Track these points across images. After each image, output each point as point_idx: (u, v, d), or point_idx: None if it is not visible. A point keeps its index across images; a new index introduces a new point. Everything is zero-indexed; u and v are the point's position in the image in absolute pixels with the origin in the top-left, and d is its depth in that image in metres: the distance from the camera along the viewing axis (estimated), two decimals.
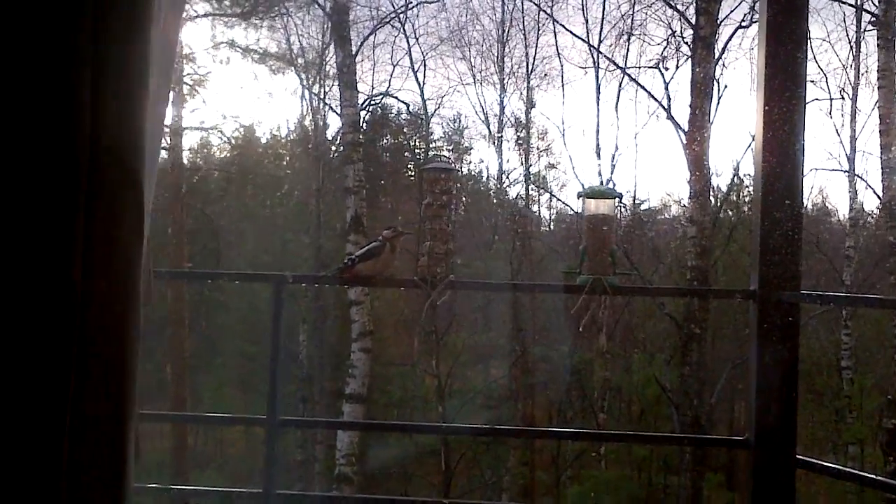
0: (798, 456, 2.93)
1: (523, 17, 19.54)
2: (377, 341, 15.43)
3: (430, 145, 22.31)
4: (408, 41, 18.97)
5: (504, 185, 21.47)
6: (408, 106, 20.61)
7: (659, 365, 17.57)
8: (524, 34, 19.61)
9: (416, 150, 22.10)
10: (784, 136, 2.92)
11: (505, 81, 19.98)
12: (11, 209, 1.15)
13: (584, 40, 17.99)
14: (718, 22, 13.66)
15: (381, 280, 3.28)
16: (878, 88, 11.78)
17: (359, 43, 16.79)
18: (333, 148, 18.83)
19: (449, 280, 3.14)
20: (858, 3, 15.72)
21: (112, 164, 1.21)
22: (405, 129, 22.88)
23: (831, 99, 16.54)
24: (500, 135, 20.37)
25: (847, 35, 16.80)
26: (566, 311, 16.32)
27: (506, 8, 19.69)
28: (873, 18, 12.41)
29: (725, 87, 15.57)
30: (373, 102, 20.00)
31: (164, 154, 19.75)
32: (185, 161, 21.97)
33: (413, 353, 19.10)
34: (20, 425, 1.14)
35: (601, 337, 17.86)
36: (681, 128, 14.36)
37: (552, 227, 24.62)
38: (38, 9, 1.17)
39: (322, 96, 19.29)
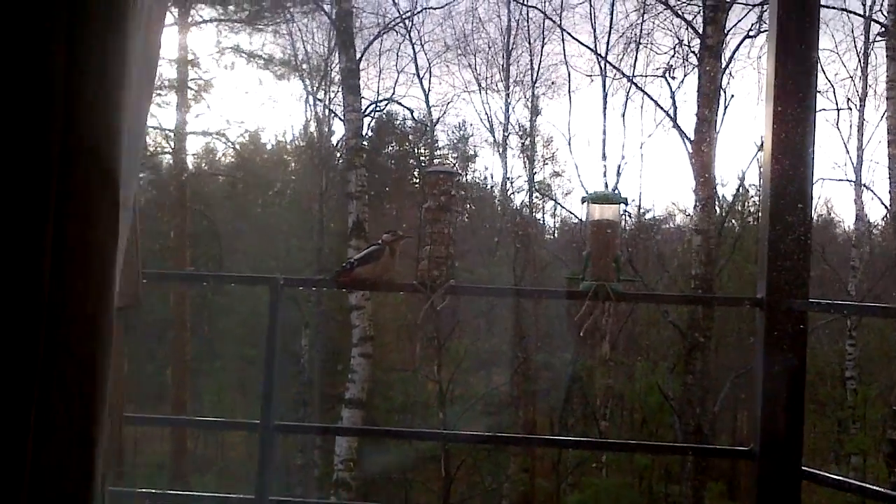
0: (803, 468, 2.87)
1: (528, 26, 19.52)
2: (379, 346, 15.40)
3: (436, 152, 22.30)
4: (413, 48, 18.96)
5: (508, 193, 21.43)
6: (411, 112, 20.58)
7: (662, 373, 17.49)
8: (529, 42, 19.58)
9: (421, 157, 22.07)
10: (795, 138, 2.87)
11: (510, 89, 19.95)
12: None
13: (591, 49, 17.97)
14: (726, 31, 13.63)
15: (380, 284, 3.23)
16: (887, 99, 11.71)
17: (363, 49, 16.82)
18: (338, 154, 18.81)
19: (449, 284, 3.08)
20: (868, 13, 15.68)
21: (87, 163, 1.18)
22: (410, 136, 22.86)
23: (838, 109, 16.50)
24: (504, 142, 20.33)
25: (855, 46, 16.76)
26: (569, 318, 16.27)
27: (511, 16, 19.67)
28: (882, 29, 12.35)
29: (732, 96, 15.54)
30: (377, 109, 19.97)
31: (168, 158, 19.81)
32: (190, 165, 22.04)
33: (415, 359, 19.06)
34: None
35: (604, 344, 17.78)
36: (687, 137, 14.32)
37: (556, 234, 24.59)
38: (9, 7, 1.14)
39: (327, 102, 19.28)
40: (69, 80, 1.17)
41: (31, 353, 1.12)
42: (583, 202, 3.20)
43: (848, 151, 17.22)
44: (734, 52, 15.14)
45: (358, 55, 14.62)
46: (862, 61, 16.77)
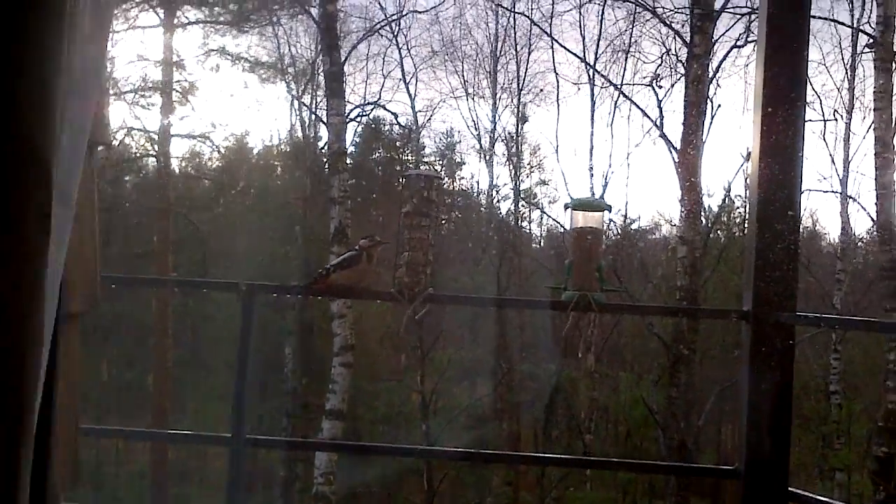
0: (790, 488, 2.78)
1: (515, 33, 19.48)
2: (362, 356, 15.26)
3: (423, 159, 22.22)
4: (399, 52, 18.88)
5: (494, 201, 21.36)
6: (395, 116, 20.49)
7: (646, 386, 17.44)
8: (516, 50, 19.54)
9: (408, 164, 21.97)
10: (783, 145, 2.79)
11: (497, 96, 19.89)
12: None
13: (579, 57, 17.92)
14: (713, 41, 13.60)
15: (357, 291, 3.13)
16: (874, 110, 11.67)
17: (348, 52, 16.75)
18: (325, 159, 18.73)
19: (428, 293, 2.98)
20: (855, 24, 15.69)
21: (13, 155, 1.09)
22: (398, 142, 22.78)
23: (825, 120, 16.48)
24: (491, 150, 20.26)
25: (842, 57, 16.75)
26: (554, 328, 16.18)
27: (499, 22, 19.62)
28: (871, 40, 12.33)
29: (719, 105, 15.53)
30: (363, 113, 19.88)
31: (152, 161, 19.65)
32: (176, 169, 21.90)
33: (399, 369, 18.94)
34: None
35: (589, 356, 17.71)
36: (673, 146, 14.28)
37: (543, 243, 24.52)
38: None
39: (313, 106, 19.18)
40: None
41: None
42: (566, 209, 3.11)
43: (834, 163, 17.21)
44: (721, 62, 15.14)
45: (343, 58, 14.53)
46: (849, 72, 16.77)
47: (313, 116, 19.29)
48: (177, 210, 18.75)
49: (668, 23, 15.39)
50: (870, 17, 14.74)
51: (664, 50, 16.05)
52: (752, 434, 2.78)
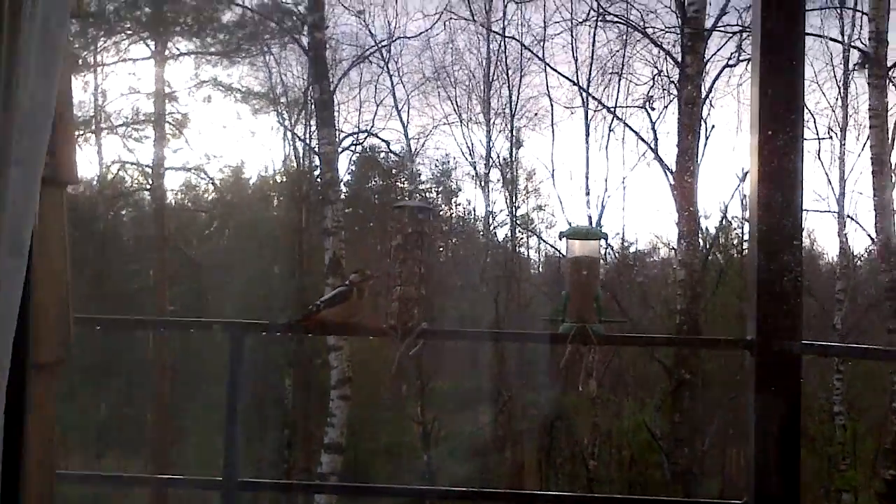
0: None
1: (506, 57, 19.47)
2: (362, 385, 15.12)
3: (419, 186, 22.17)
4: (391, 80, 18.86)
5: (491, 227, 21.28)
6: (387, 144, 20.46)
7: (649, 411, 17.29)
8: (507, 75, 19.52)
9: (404, 192, 21.92)
10: (784, 169, 2.71)
11: (491, 121, 19.87)
12: None
13: (571, 80, 17.89)
14: (705, 60, 13.57)
15: (348, 328, 3.05)
16: (871, 128, 11.59)
17: (338, 80, 16.75)
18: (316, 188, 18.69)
19: (421, 328, 2.89)
20: (847, 41, 15.67)
21: None
22: (394, 170, 22.73)
23: (819, 139, 16.43)
24: (486, 176, 20.21)
25: (834, 75, 16.72)
26: (554, 355, 16.07)
27: (490, 47, 19.62)
28: (864, 57, 12.28)
29: (713, 126, 15.46)
30: (356, 142, 19.85)
31: (146, 195, 19.60)
32: (172, 202, 21.84)
33: (401, 398, 18.79)
34: None
35: (591, 382, 17.54)
36: (669, 168, 14.23)
37: (541, 268, 24.42)
38: None
39: (307, 135, 19.15)
40: None
41: None
42: (561, 238, 3.03)
43: (830, 182, 17.14)
44: (714, 82, 15.12)
45: (333, 86, 14.51)
46: (841, 89, 16.74)
47: (305, 146, 19.28)
48: (173, 243, 18.68)
49: (658, 43, 15.39)
50: (860, 33, 14.76)
51: (656, 71, 16.02)
52: (760, 468, 2.68)
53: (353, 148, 20.15)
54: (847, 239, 17.31)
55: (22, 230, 1.15)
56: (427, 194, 23.01)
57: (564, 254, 3.04)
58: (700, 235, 15.25)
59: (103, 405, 19.13)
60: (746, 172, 16.59)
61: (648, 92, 15.77)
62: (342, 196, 18.25)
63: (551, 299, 17.80)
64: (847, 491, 17.47)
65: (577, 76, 17.94)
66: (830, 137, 16.65)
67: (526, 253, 23.58)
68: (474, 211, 24.05)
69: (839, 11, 15.80)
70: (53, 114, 1.29)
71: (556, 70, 17.97)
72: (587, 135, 18.14)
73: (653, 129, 15.88)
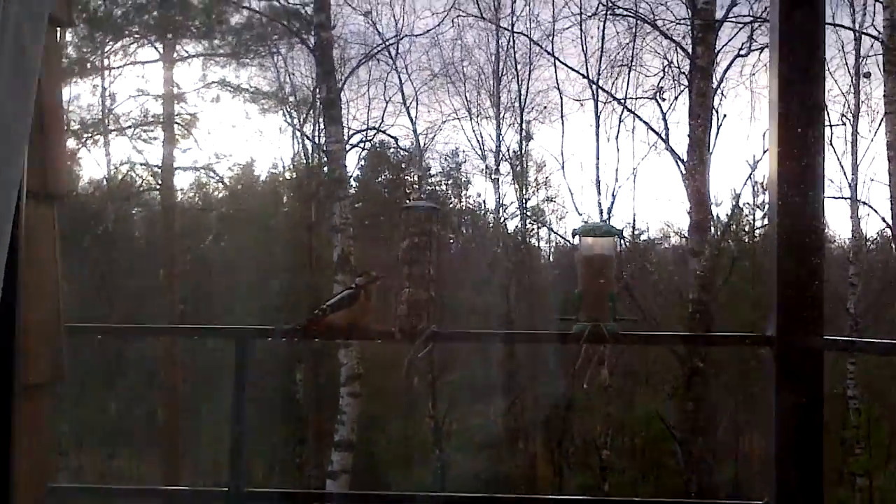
0: None
1: (515, 52, 19.36)
2: (372, 381, 15.07)
3: (429, 179, 22.11)
4: (399, 77, 18.76)
5: (502, 220, 21.19)
6: (396, 141, 20.37)
7: (662, 399, 17.21)
8: (516, 69, 19.41)
9: (414, 185, 21.86)
10: (805, 164, 2.62)
11: (501, 115, 19.76)
12: None
13: (581, 74, 17.74)
14: (716, 51, 13.44)
15: (355, 332, 2.98)
16: (886, 114, 11.44)
17: (345, 78, 16.66)
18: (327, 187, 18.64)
19: (430, 331, 2.82)
20: (858, 27, 15.51)
21: None
22: (403, 165, 22.66)
23: (831, 125, 16.26)
24: (497, 169, 20.12)
25: (846, 62, 16.56)
26: (566, 348, 15.95)
27: (499, 42, 19.50)
28: (878, 43, 12.13)
29: (724, 116, 15.31)
30: (365, 139, 19.79)
31: (156, 195, 19.59)
32: (184, 201, 21.86)
33: (413, 392, 18.76)
34: None
35: (603, 371, 17.36)
36: (680, 159, 14.11)
37: (552, 258, 24.37)
38: None
39: (315, 134, 19.09)
40: None
41: None
42: (574, 235, 2.95)
43: (843, 168, 17.00)
44: (725, 72, 14.97)
45: (339, 85, 14.44)
46: (853, 77, 16.59)
47: (313, 144, 19.24)
48: (183, 242, 18.67)
49: (669, 35, 15.25)
50: (873, 19, 14.60)
51: (666, 63, 15.87)
52: (782, 467, 2.60)
53: (362, 145, 20.09)
54: (860, 223, 17.19)
55: None
56: (437, 187, 22.96)
57: (578, 250, 2.94)
58: (712, 224, 15.14)
59: (114, 405, 19.13)
60: (758, 161, 16.55)
61: (659, 83, 15.64)
62: (351, 191, 18.22)
63: (562, 290, 17.74)
64: (861, 475, 17.38)
65: (587, 69, 17.80)
66: (844, 124, 16.49)
67: (537, 244, 23.55)
68: (484, 203, 23.97)
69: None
70: (29, 125, 1.23)
71: (565, 64, 17.82)
72: (597, 126, 18.03)
73: (664, 119, 15.75)
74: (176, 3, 17.03)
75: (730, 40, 14.87)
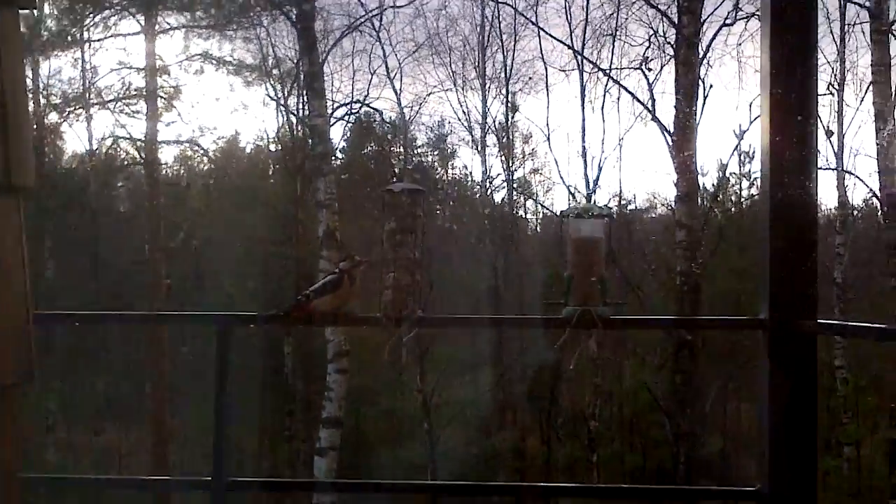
0: None
1: (500, 23, 19.24)
2: (361, 354, 15.00)
3: (415, 151, 22.01)
4: (383, 48, 18.59)
5: (488, 192, 21.13)
6: (380, 113, 20.24)
7: (650, 371, 17.24)
8: (501, 40, 19.30)
9: (400, 157, 21.74)
10: (797, 137, 2.54)
11: (487, 86, 19.65)
12: None
13: (565, 44, 17.64)
14: (702, 21, 13.34)
15: (339, 318, 2.91)
16: (873, 84, 11.35)
17: (328, 50, 16.50)
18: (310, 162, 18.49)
19: (417, 317, 2.76)
20: None
21: None
22: (388, 136, 22.51)
23: (818, 95, 16.18)
24: (483, 140, 20.03)
25: (831, 31, 16.47)
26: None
27: (484, 13, 19.35)
28: (864, 11, 12.03)
29: (711, 86, 15.24)
30: (350, 112, 19.64)
31: (140, 169, 19.40)
32: (169, 174, 21.69)
33: (401, 366, 18.74)
34: None
35: (591, 343, 17.42)
36: (667, 130, 14.04)
37: (539, 228, 24.38)
38: None
39: (300, 107, 18.91)
40: None
41: None
42: (563, 217, 2.88)
43: (829, 137, 16.96)
44: (711, 41, 14.88)
45: (322, 58, 14.28)
46: (839, 46, 16.51)
47: (296, 118, 19.10)
48: (168, 217, 18.52)
49: (654, 4, 15.13)
50: None
51: (651, 32, 15.76)
52: (775, 452, 2.55)
53: (346, 118, 19.96)
54: (846, 192, 17.19)
55: None
56: (423, 158, 22.86)
57: (567, 233, 2.86)
58: (699, 194, 15.11)
59: (100, 382, 19.08)
60: (745, 131, 16.53)
61: (644, 52, 15.52)
62: (337, 163, 18.07)
63: (550, 262, 17.73)
64: (849, 444, 17.50)
65: (572, 39, 17.71)
66: (831, 94, 16.42)
67: (524, 214, 23.55)
68: (471, 175, 23.90)
69: None
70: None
71: (549, 34, 17.74)
72: (583, 97, 17.97)
73: (650, 90, 15.66)
74: None
75: (716, 9, 14.80)
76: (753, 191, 19.97)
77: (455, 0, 19.56)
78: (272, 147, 22.33)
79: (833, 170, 16.72)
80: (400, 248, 2.75)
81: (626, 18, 16.91)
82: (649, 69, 15.57)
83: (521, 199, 22.07)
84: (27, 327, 1.45)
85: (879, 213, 16.67)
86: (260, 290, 18.45)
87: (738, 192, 20.87)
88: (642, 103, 15.87)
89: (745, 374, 16.82)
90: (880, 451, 15.70)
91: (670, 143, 13.49)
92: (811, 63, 2.68)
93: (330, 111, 16.14)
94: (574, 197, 18.76)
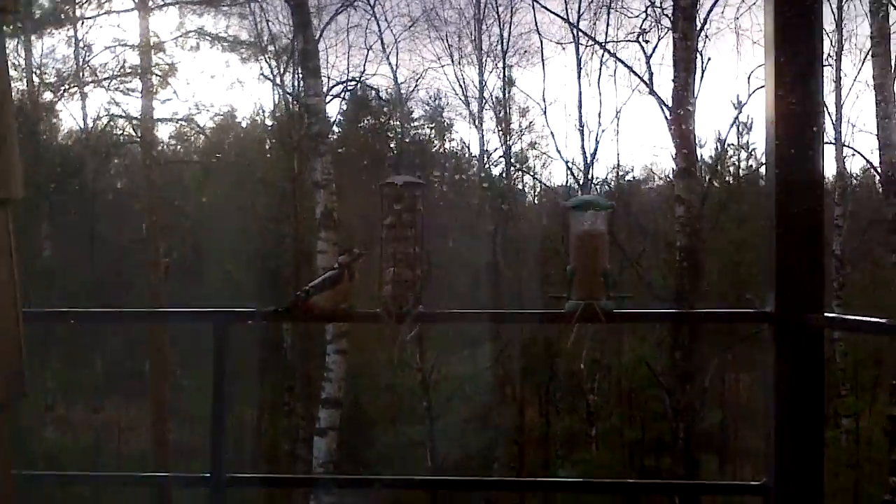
0: None
1: None
2: (360, 333, 14.96)
3: (412, 123, 21.93)
4: (378, 24, 18.43)
5: (486, 166, 21.04)
6: (377, 91, 20.12)
7: (650, 346, 17.23)
8: (497, 13, 19.16)
9: (397, 132, 21.66)
10: (803, 115, 2.47)
11: (483, 60, 19.53)
12: None
13: (561, 17, 17.47)
14: None
15: (339, 314, 2.87)
16: (872, 56, 11.22)
17: (323, 27, 16.36)
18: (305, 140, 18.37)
19: (418, 312, 2.72)
20: None
21: None
22: (385, 109, 22.39)
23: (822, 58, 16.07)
24: (480, 114, 19.92)
25: (829, 2, 16.34)
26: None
27: None
28: None
29: (709, 59, 15.10)
30: (346, 89, 19.52)
31: (136, 147, 19.30)
32: (165, 151, 21.59)
33: (400, 345, 18.72)
34: None
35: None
36: (664, 103, 13.93)
37: (536, 201, 24.37)
38: None
39: (295, 84, 18.79)
40: None
41: None
42: (564, 209, 2.83)
43: (826, 108, 16.89)
44: (709, 13, 14.73)
45: (317, 35, 14.13)
46: (836, 16, 16.39)
47: (290, 98, 18.98)
48: (165, 195, 18.45)
49: None
50: None
51: (648, 3, 15.60)
52: (781, 447, 2.52)
53: (343, 95, 19.85)
54: (845, 164, 17.13)
55: None
56: (420, 132, 22.79)
57: (569, 226, 2.80)
58: (697, 167, 15.03)
59: (99, 360, 19.06)
60: (743, 104, 16.44)
61: (641, 25, 15.34)
62: (333, 138, 17.96)
63: (549, 239, 17.70)
64: (848, 416, 17.54)
65: (567, 12, 17.55)
66: (830, 65, 16.31)
67: (522, 188, 23.53)
68: (468, 150, 23.82)
69: None
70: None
71: (545, 7, 17.55)
72: (579, 70, 17.87)
73: (647, 63, 15.53)
74: None
75: None
76: (752, 162, 19.94)
77: None
78: (269, 122, 22.26)
79: (832, 143, 16.67)
80: (399, 243, 2.71)
81: None
82: (646, 41, 15.45)
83: (520, 174, 22.00)
84: (18, 342, 1.41)
85: (878, 184, 16.61)
86: (258, 269, 18.43)
87: (736, 163, 20.82)
88: (639, 76, 15.74)
89: (745, 351, 16.82)
90: (878, 424, 15.71)
91: (669, 118, 13.38)
92: (816, 26, 2.62)
93: (326, 89, 16.03)
94: (572, 172, 18.73)
